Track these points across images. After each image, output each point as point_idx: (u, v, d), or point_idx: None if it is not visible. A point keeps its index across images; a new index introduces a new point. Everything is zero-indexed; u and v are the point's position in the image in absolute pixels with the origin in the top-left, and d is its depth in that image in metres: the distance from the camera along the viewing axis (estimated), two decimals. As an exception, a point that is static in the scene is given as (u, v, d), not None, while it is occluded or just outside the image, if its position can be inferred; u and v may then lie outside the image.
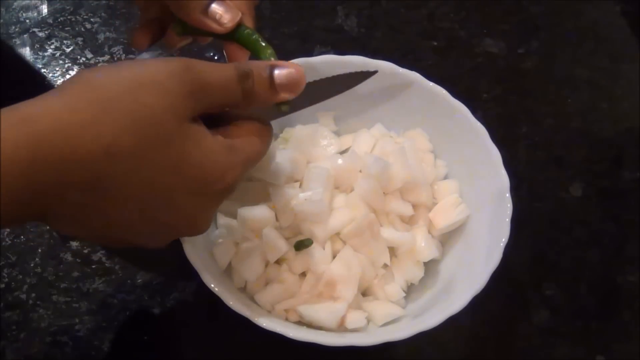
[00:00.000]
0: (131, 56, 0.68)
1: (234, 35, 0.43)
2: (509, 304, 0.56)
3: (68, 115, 0.32)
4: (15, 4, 0.71)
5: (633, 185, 0.64)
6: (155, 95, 0.34)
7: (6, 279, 0.54)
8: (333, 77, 0.47)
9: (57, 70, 0.66)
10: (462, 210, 0.51)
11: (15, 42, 0.68)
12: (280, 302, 0.48)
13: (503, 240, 0.47)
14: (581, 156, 0.65)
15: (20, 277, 0.54)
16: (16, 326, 0.52)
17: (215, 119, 0.39)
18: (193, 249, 0.45)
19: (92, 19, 0.71)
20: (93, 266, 0.55)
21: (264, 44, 0.43)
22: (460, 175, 0.54)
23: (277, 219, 0.49)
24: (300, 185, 0.50)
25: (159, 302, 0.54)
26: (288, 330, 0.44)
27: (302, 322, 0.48)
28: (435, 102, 0.54)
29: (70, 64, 0.67)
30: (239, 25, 0.43)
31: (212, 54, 0.67)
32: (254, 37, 0.43)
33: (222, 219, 0.50)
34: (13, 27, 0.69)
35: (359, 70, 0.51)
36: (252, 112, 0.40)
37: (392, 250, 0.50)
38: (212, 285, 0.44)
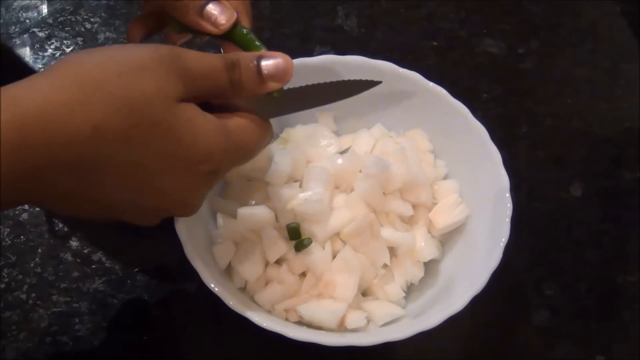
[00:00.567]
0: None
1: (230, 34, 0.43)
2: (509, 304, 0.56)
3: (55, 96, 0.32)
4: (15, 4, 0.71)
5: (633, 185, 0.63)
6: (143, 79, 0.34)
7: (6, 279, 0.54)
8: (337, 82, 0.47)
9: (57, 70, 0.66)
10: (462, 210, 0.51)
11: (15, 42, 0.68)
12: (280, 302, 0.48)
13: (503, 240, 0.47)
14: (581, 156, 0.65)
15: (20, 277, 0.54)
16: (16, 326, 0.52)
17: (216, 109, 0.39)
18: (193, 249, 0.45)
19: (92, 19, 0.71)
20: (93, 266, 0.55)
21: (258, 44, 0.43)
22: (460, 175, 0.54)
23: (277, 219, 0.49)
24: (300, 185, 0.50)
25: (159, 302, 0.54)
26: (288, 330, 0.44)
27: (302, 322, 0.48)
28: (435, 102, 0.54)
29: (70, 64, 0.67)
30: (235, 25, 0.43)
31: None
32: (249, 36, 0.43)
33: (222, 219, 0.50)
34: (13, 27, 0.69)
35: (361, 71, 0.51)
36: (253, 108, 0.40)
37: (392, 250, 0.50)
38: (212, 285, 0.44)
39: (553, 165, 0.64)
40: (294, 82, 0.48)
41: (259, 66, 0.39)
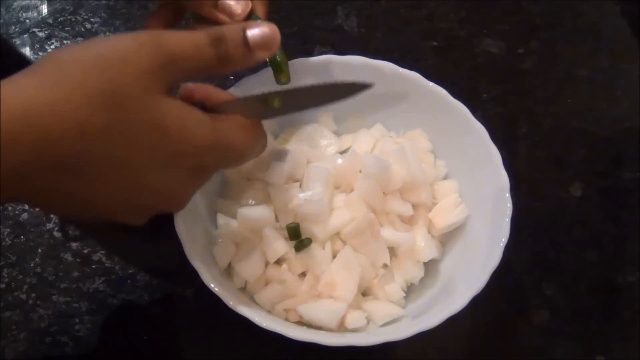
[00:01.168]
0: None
1: None
2: (509, 304, 0.56)
3: (40, 94, 0.32)
4: (15, 4, 0.71)
5: (633, 185, 0.63)
6: (124, 73, 0.34)
7: (6, 279, 0.54)
8: (330, 84, 0.46)
9: (57, 70, 0.66)
10: (462, 210, 0.51)
11: (15, 42, 0.68)
12: (280, 302, 0.48)
13: (503, 240, 0.47)
14: (581, 156, 0.65)
15: (20, 277, 0.54)
16: (16, 326, 0.52)
17: (208, 110, 0.39)
18: (193, 249, 0.45)
19: (92, 19, 0.71)
20: (93, 266, 0.55)
21: None
22: (460, 175, 0.54)
23: (277, 219, 0.49)
24: (300, 185, 0.50)
25: (159, 302, 0.54)
26: (288, 330, 0.44)
27: (302, 322, 0.48)
28: (435, 102, 0.54)
29: (70, 64, 0.67)
30: (249, 15, 0.43)
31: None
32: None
33: (222, 219, 0.50)
34: (13, 27, 0.69)
35: (361, 71, 0.51)
36: (246, 112, 0.40)
37: (392, 250, 0.50)
38: (212, 285, 0.44)
39: (553, 165, 0.64)
40: (295, 82, 0.48)
41: (245, 37, 0.38)
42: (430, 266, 0.52)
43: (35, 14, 0.70)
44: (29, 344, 0.51)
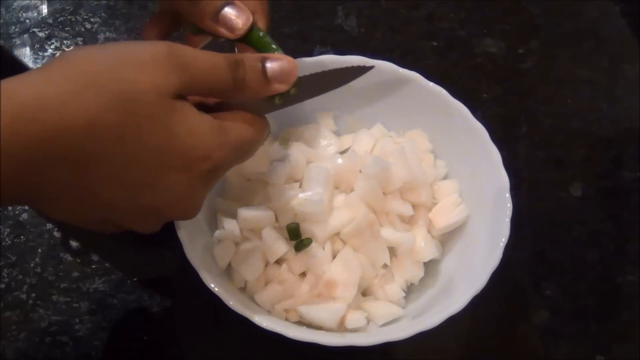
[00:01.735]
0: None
1: (246, 37, 0.43)
2: (509, 304, 0.56)
3: (50, 89, 0.32)
4: (15, 4, 0.71)
5: (633, 185, 0.63)
6: (138, 73, 0.34)
7: (6, 279, 0.54)
8: (328, 71, 0.47)
9: (57, 70, 0.66)
10: (462, 210, 0.51)
11: (15, 42, 0.68)
12: (280, 302, 0.48)
13: (503, 240, 0.47)
14: (581, 156, 0.65)
15: (20, 277, 0.54)
16: (16, 326, 0.52)
17: (210, 109, 0.39)
18: (193, 249, 0.45)
19: (92, 19, 0.71)
20: (93, 266, 0.55)
21: (274, 47, 0.43)
22: (460, 175, 0.54)
23: (277, 219, 0.49)
24: (300, 185, 0.50)
25: (159, 302, 0.54)
26: (288, 330, 0.44)
27: (302, 322, 0.48)
28: (435, 102, 0.54)
29: (70, 64, 0.67)
30: (251, 28, 0.43)
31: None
32: (265, 39, 0.43)
33: (222, 219, 0.50)
34: (13, 27, 0.69)
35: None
36: (248, 106, 0.40)
37: (392, 250, 0.50)
38: (212, 285, 0.44)
39: (553, 165, 0.65)
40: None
41: (264, 67, 0.39)
42: (430, 266, 0.52)
43: (35, 14, 0.70)
44: (29, 344, 0.51)
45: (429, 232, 0.52)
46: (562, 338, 0.55)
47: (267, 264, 0.48)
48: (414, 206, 0.51)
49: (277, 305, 0.48)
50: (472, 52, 0.71)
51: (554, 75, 0.71)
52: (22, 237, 0.56)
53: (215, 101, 0.40)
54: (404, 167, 0.50)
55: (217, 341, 0.52)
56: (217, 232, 0.50)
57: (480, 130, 0.52)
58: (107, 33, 0.70)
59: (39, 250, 0.56)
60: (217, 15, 0.42)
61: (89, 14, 0.71)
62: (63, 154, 0.32)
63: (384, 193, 0.50)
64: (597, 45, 0.73)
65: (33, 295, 0.54)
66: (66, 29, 0.70)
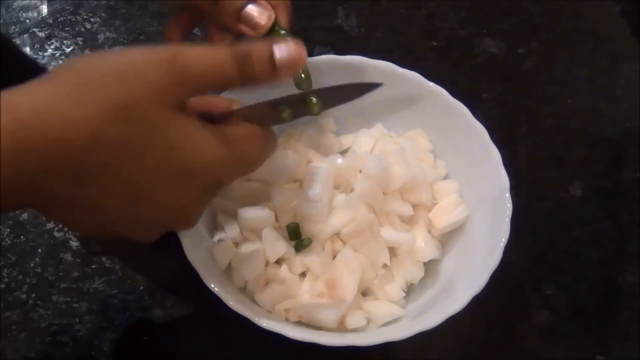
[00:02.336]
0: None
1: (267, 34, 0.43)
2: (509, 304, 0.56)
3: (52, 101, 0.32)
4: (15, 4, 0.71)
5: (633, 185, 0.64)
6: (140, 86, 0.34)
7: (6, 279, 0.54)
8: (336, 86, 0.46)
9: (57, 70, 0.66)
10: (462, 210, 0.51)
11: (15, 42, 0.68)
12: (280, 302, 0.48)
13: (503, 240, 0.47)
14: (581, 156, 0.65)
15: (20, 277, 0.54)
16: (16, 326, 0.52)
17: (217, 119, 0.39)
18: (193, 249, 0.45)
19: (92, 19, 0.71)
20: (93, 266, 0.55)
21: None
22: (460, 175, 0.54)
23: (277, 219, 0.49)
24: (301, 186, 0.50)
25: (159, 302, 0.54)
26: (288, 330, 0.44)
27: (302, 322, 0.48)
28: (435, 102, 0.54)
29: (70, 64, 0.67)
30: (273, 25, 0.43)
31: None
32: (285, 37, 0.43)
33: (222, 219, 0.50)
34: (13, 27, 0.69)
35: (361, 71, 0.51)
36: (256, 119, 0.40)
37: (392, 250, 0.50)
38: (212, 285, 0.44)
39: (553, 165, 0.64)
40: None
41: (272, 56, 0.38)
42: (430, 266, 0.52)
43: (35, 14, 0.70)
44: (29, 344, 0.51)
45: (429, 232, 0.52)
46: (562, 338, 0.55)
47: (267, 264, 0.48)
48: (414, 206, 0.51)
49: (277, 306, 0.48)
50: (472, 52, 0.71)
51: (554, 75, 0.71)
52: (22, 237, 0.56)
53: (220, 112, 0.39)
54: (404, 167, 0.50)
55: (217, 341, 0.52)
56: (217, 232, 0.50)
57: (480, 130, 0.52)
58: (107, 33, 0.70)
59: (39, 250, 0.56)
60: (239, 13, 0.42)
61: (89, 14, 0.71)
62: (64, 166, 0.32)
63: (384, 193, 0.50)
64: (596, 45, 0.73)
65: (33, 295, 0.54)
66: (66, 29, 0.70)
